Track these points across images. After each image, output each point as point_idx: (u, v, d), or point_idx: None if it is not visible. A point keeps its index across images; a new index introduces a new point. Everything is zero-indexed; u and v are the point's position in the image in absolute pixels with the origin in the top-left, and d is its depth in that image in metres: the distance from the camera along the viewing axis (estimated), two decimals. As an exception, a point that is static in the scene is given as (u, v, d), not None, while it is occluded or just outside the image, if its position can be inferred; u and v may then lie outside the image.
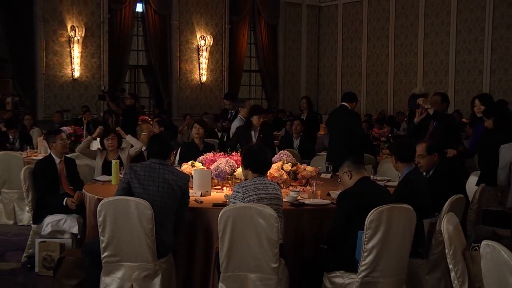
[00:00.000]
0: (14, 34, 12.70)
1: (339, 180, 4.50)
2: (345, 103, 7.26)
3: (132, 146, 6.67)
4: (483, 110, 6.18)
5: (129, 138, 6.81)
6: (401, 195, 4.29)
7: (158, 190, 4.18)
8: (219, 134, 9.94)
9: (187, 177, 4.46)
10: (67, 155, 6.05)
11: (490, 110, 6.11)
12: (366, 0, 16.25)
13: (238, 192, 4.06)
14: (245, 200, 4.00)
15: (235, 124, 7.74)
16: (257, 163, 4.23)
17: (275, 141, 8.31)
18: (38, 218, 5.57)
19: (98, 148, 6.69)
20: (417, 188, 4.39)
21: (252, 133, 6.94)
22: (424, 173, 4.95)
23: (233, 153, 5.52)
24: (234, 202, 4.04)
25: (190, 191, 4.54)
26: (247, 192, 4.02)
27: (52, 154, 5.82)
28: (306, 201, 4.60)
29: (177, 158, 6.79)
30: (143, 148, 6.77)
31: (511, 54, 13.34)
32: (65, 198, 5.47)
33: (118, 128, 6.79)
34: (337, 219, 4.08)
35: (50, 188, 5.62)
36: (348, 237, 3.96)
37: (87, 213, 5.05)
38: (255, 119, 6.94)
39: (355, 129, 7.15)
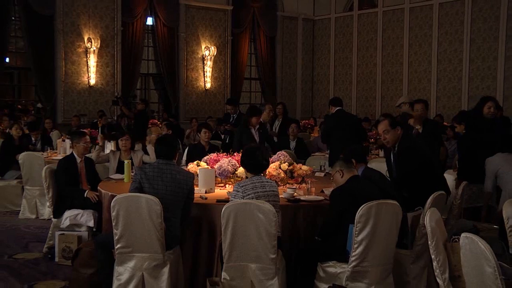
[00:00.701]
0: (37, 46, 12.72)
1: (331, 178, 4.50)
2: (341, 107, 7.24)
3: (143, 151, 6.72)
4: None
5: (149, 148, 6.82)
6: None
7: (167, 188, 4.16)
8: (222, 136, 9.94)
9: (192, 176, 4.46)
10: (86, 155, 6.07)
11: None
12: (356, 14, 16.25)
13: (238, 191, 4.04)
14: (244, 198, 3.98)
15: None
16: (250, 165, 4.23)
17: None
18: (58, 212, 5.57)
19: (111, 150, 6.70)
20: (376, 182, 4.39)
21: (253, 131, 6.96)
22: (392, 149, 4.93)
23: (235, 154, 5.52)
24: (235, 200, 4.03)
25: (195, 188, 4.53)
26: (245, 191, 4.01)
27: (74, 153, 5.82)
28: (302, 198, 4.59)
29: (184, 158, 6.79)
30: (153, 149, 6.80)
31: (487, 63, 13.35)
32: (86, 191, 5.48)
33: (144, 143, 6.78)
34: (330, 214, 4.08)
35: (71, 184, 5.63)
36: (340, 230, 3.96)
37: (103, 208, 5.04)
38: (254, 119, 6.93)
39: (363, 132, 7.17)
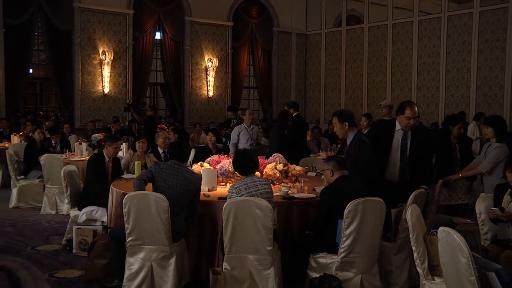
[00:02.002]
0: (57, 58, 12.76)
1: (321, 176, 4.49)
2: (299, 113, 7.39)
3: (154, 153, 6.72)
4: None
5: None
6: (363, 151, 4.38)
7: (177, 185, 4.16)
8: (223, 140, 9.94)
9: (200, 177, 4.47)
10: None
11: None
12: (344, 30, 16.28)
13: (233, 193, 4.03)
14: None
15: (236, 130, 7.73)
16: (240, 168, 4.23)
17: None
18: (82, 205, 5.54)
19: (129, 152, 6.67)
20: (366, 143, 4.53)
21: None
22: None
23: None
24: (230, 202, 4.00)
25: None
26: (240, 192, 3.99)
27: (104, 153, 5.81)
28: (295, 195, 4.58)
29: (189, 159, 6.76)
30: (160, 151, 6.81)
31: (461, 74, 13.39)
32: None
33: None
34: (321, 210, 4.07)
35: (98, 180, 5.60)
36: (330, 225, 3.95)
37: (114, 204, 4.97)
38: (290, 122, 7.17)
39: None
